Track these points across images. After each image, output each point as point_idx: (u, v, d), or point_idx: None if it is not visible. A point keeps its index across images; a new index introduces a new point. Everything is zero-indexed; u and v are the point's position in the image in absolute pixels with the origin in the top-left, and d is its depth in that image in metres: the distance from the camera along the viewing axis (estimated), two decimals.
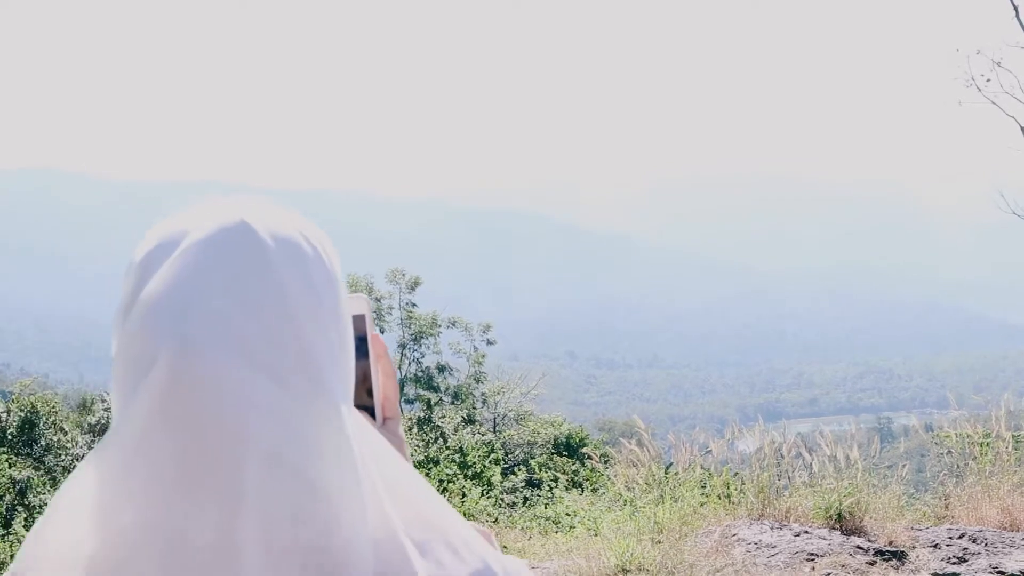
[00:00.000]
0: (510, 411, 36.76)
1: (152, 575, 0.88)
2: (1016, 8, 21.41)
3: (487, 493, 17.75)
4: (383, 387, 1.24)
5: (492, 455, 21.72)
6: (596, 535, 9.87)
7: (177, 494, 0.89)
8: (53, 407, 29.04)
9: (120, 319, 0.98)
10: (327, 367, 0.98)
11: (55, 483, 26.48)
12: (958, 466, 10.78)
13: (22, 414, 27.36)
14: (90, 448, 22.31)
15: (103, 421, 27.38)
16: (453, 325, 38.56)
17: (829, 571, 8.14)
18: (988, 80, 22.13)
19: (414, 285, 38.51)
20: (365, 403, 1.24)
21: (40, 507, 23.49)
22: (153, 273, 0.95)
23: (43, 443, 27.65)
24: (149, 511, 0.89)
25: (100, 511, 0.91)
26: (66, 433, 28.61)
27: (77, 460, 26.74)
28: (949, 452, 10.99)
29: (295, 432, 0.92)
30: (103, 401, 28.46)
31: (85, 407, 34.33)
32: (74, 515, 0.93)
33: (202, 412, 0.89)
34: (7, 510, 22.57)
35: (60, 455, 27.55)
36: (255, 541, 0.88)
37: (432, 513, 1.00)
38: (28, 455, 27.00)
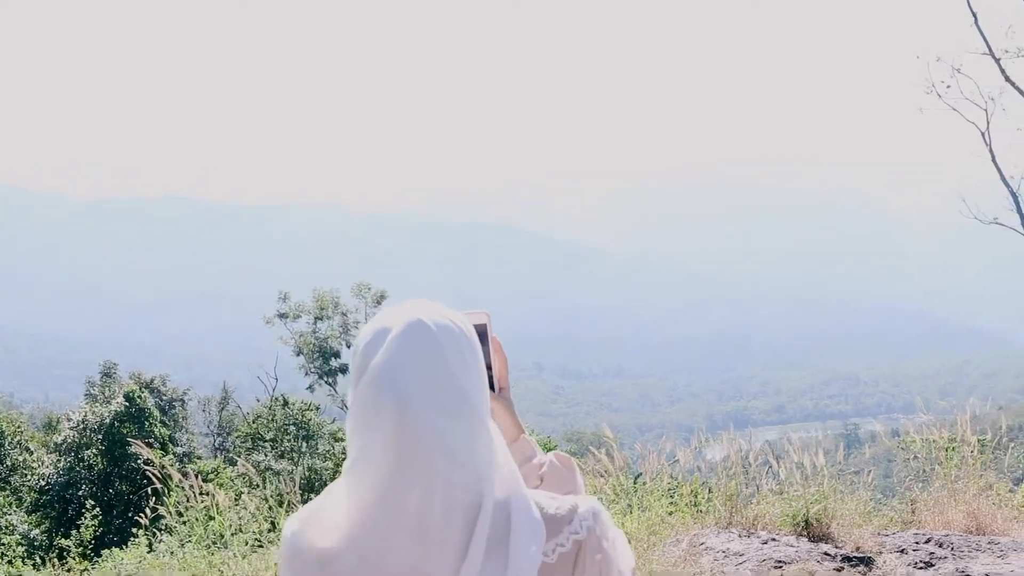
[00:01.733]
0: None
1: (380, 528, 1.75)
2: (975, 15, 21.63)
3: None
4: (499, 368, 2.27)
5: None
6: None
7: (396, 481, 1.73)
8: (18, 427, 28.85)
9: (355, 380, 1.82)
10: (477, 401, 1.83)
11: (21, 503, 26.27)
12: (924, 471, 10.81)
13: None
14: (55, 468, 22.17)
15: (68, 440, 27.08)
16: None
17: None
18: (948, 87, 22.32)
19: (380, 299, 38.43)
20: (488, 378, 2.00)
21: (7, 527, 23.26)
22: (375, 353, 1.79)
23: (8, 463, 27.44)
24: (379, 490, 1.74)
25: (353, 492, 1.79)
26: (31, 453, 28.41)
27: (43, 480, 26.51)
28: (915, 457, 11.02)
29: (462, 441, 1.77)
30: (68, 420, 28.17)
31: (51, 426, 34.07)
32: (337, 495, 1.83)
33: (410, 436, 1.73)
34: None
35: (26, 475, 27.31)
36: (440, 503, 1.72)
37: (521, 481, 1.88)
38: None
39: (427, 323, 1.82)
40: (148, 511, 10.24)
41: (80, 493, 25.74)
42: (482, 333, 2.13)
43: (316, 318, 38.20)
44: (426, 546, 1.73)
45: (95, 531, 16.81)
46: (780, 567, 8.40)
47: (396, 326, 1.82)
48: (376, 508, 1.75)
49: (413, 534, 1.73)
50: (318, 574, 1.81)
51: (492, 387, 2.21)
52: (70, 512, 24.77)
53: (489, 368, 2.17)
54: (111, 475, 26.56)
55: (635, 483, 10.90)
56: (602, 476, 10.75)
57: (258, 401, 37.80)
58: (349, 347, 37.38)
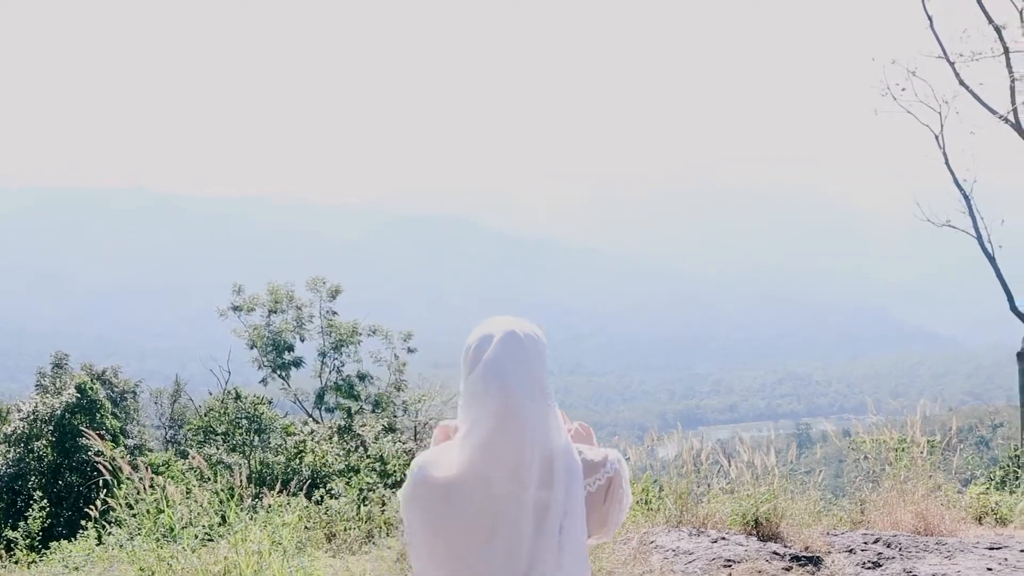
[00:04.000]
0: (432, 419, 36.54)
1: (485, 468, 2.71)
2: (931, 19, 21.81)
3: None
4: None
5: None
6: None
7: (498, 439, 2.71)
8: None
9: (468, 370, 2.84)
10: (547, 387, 2.83)
11: None
12: (874, 471, 10.88)
13: None
14: (4, 459, 21.90)
15: (18, 431, 26.74)
16: (374, 333, 38.11)
17: None
18: (903, 89, 22.47)
19: (335, 293, 38.13)
20: None
21: None
22: (485, 351, 2.80)
23: None
24: (486, 445, 2.71)
25: (464, 446, 2.75)
26: None
27: None
28: (865, 458, 11.09)
29: (540, 415, 2.77)
30: (18, 411, 27.82)
31: (0, 417, 33.70)
32: (452, 448, 2.80)
33: (509, 410, 2.71)
34: None
35: None
36: (527, 454, 2.70)
37: (570, 439, 2.89)
38: None
39: (518, 332, 2.86)
40: (98, 503, 10.15)
41: (29, 485, 25.47)
42: None
43: (270, 311, 37.85)
44: (519, 479, 2.70)
45: (44, 523, 16.68)
46: (729, 566, 8.43)
47: (497, 333, 2.84)
48: (482, 455, 2.71)
49: (507, 472, 2.69)
50: (438, 493, 2.75)
51: None
52: (19, 504, 24.49)
53: None
54: (61, 467, 26.29)
55: None
56: None
57: (210, 394, 37.47)
58: (303, 341, 37.14)
